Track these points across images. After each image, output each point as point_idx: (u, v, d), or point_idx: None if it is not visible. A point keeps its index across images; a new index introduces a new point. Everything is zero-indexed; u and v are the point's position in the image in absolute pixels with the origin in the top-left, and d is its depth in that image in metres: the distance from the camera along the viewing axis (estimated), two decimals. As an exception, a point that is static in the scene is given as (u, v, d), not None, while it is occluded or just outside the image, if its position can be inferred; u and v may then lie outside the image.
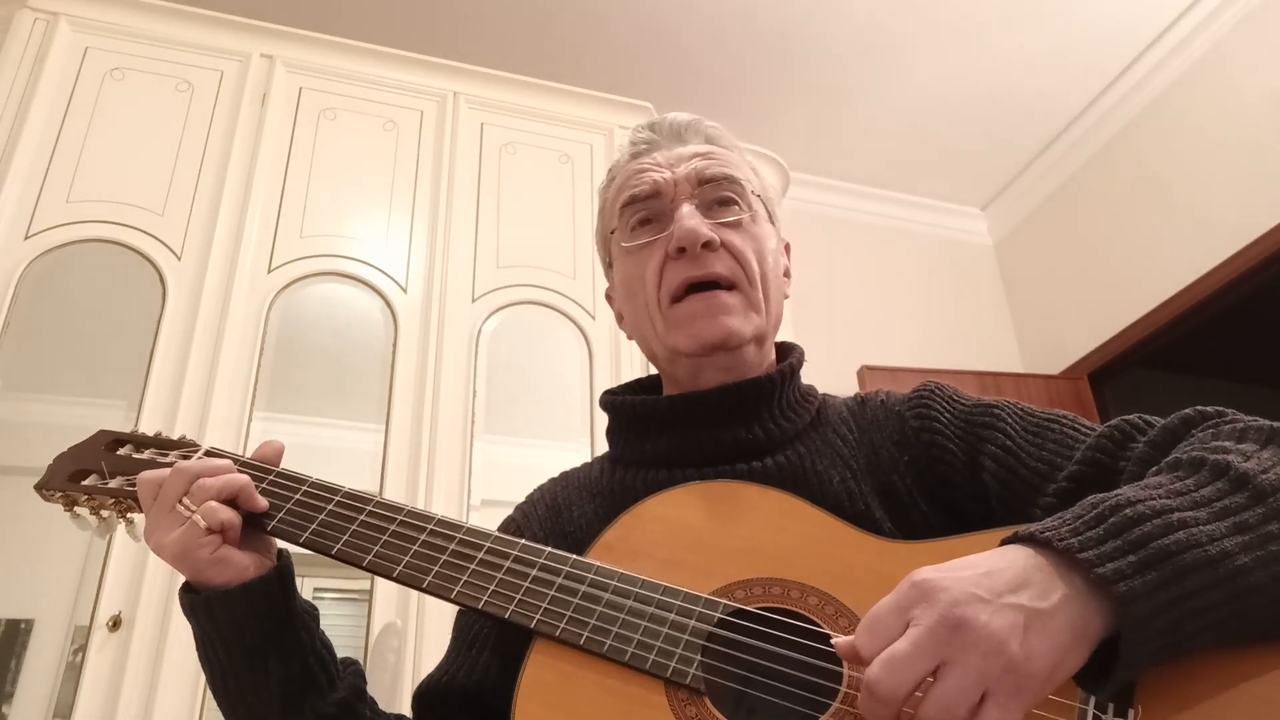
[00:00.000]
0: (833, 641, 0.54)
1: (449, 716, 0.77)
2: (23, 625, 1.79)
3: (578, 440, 2.16)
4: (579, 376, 2.23)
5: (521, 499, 0.88)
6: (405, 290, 2.16)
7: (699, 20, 2.93)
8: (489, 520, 0.72)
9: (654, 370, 0.90)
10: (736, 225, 0.82)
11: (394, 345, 2.10)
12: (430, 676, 0.80)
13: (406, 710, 0.80)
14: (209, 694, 1.67)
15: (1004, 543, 0.54)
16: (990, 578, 0.49)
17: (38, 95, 2.07)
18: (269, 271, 2.09)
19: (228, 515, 0.68)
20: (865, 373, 3.02)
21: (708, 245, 0.78)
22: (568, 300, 2.29)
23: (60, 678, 1.70)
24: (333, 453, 2.12)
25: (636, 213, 0.83)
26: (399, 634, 1.77)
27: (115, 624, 1.67)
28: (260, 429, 1.92)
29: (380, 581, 1.83)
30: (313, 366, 2.21)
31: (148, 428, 1.81)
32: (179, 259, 2.03)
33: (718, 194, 0.82)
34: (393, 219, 2.25)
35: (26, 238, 1.94)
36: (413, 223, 2.26)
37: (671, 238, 0.79)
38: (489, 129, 2.47)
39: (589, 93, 2.61)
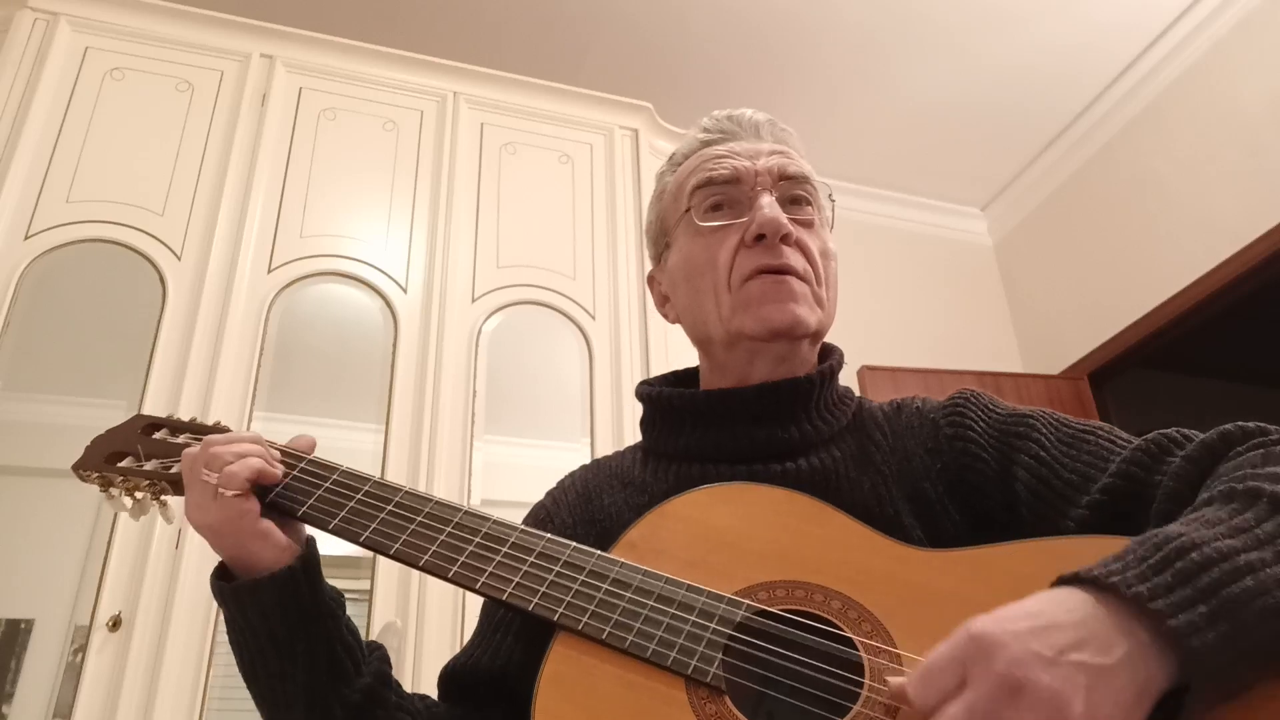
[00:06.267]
0: (889, 680, 0.53)
1: (473, 697, 0.78)
2: (23, 625, 1.79)
3: (578, 440, 2.16)
4: (579, 376, 2.23)
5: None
6: (405, 290, 2.16)
7: (699, 22, 2.93)
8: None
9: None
10: (809, 225, 0.83)
11: (394, 345, 2.10)
12: (455, 658, 0.81)
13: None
14: (209, 694, 1.68)
15: (1060, 581, 0.51)
16: (1050, 632, 0.47)
17: (38, 95, 2.07)
18: (269, 271, 2.09)
19: (245, 473, 0.70)
20: (865, 373, 3.02)
21: (785, 237, 0.79)
22: (568, 300, 2.29)
23: (60, 678, 1.70)
24: (333, 453, 2.11)
25: (711, 196, 0.83)
26: (399, 634, 1.77)
27: (115, 624, 1.67)
28: (260, 429, 1.91)
29: (380, 581, 1.83)
30: (313, 366, 2.21)
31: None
32: (179, 259, 2.03)
33: (794, 191, 0.83)
34: (393, 219, 2.25)
35: (26, 238, 1.95)
36: (413, 223, 2.26)
37: (750, 224, 0.80)
38: (489, 129, 2.47)
39: (589, 93, 2.61)
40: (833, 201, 0.87)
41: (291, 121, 2.28)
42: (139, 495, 0.81)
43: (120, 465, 0.80)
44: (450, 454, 2.00)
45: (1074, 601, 0.49)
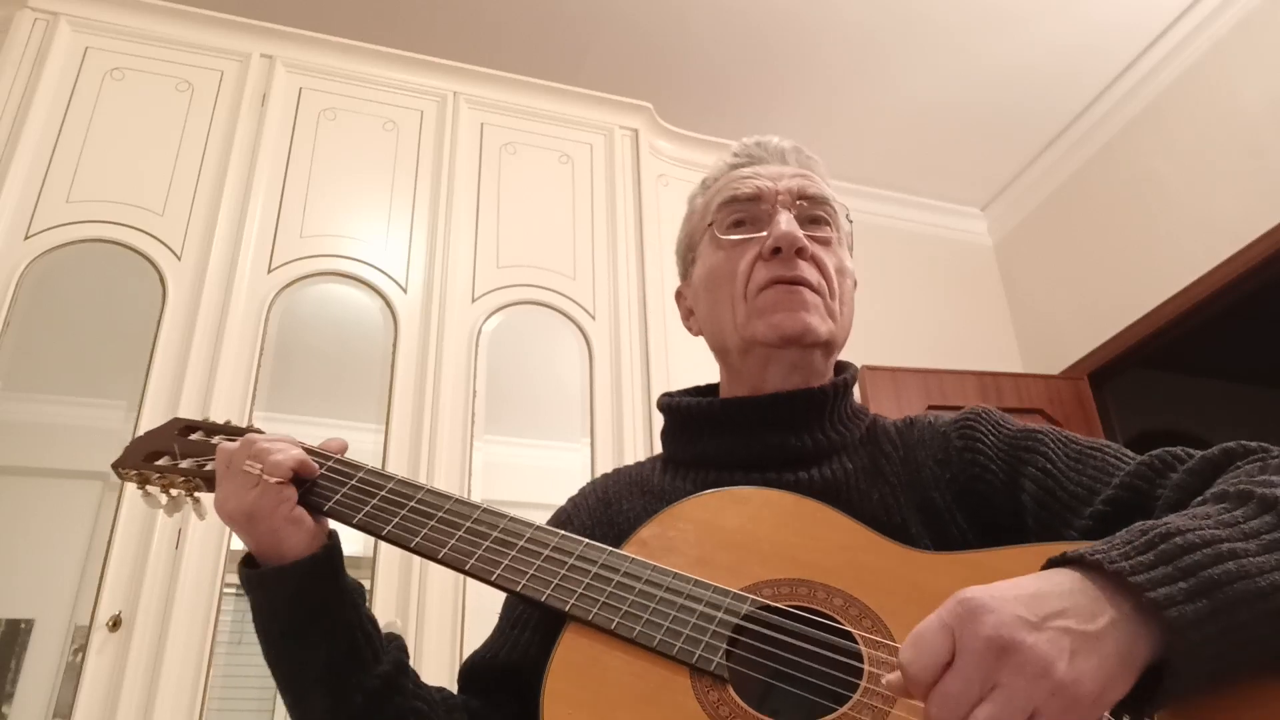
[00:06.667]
0: (884, 679, 0.54)
1: (491, 690, 0.81)
2: (23, 625, 1.79)
3: (577, 440, 2.16)
4: (579, 376, 2.23)
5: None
6: (405, 290, 2.16)
7: (699, 22, 2.93)
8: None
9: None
10: (826, 243, 0.88)
11: (394, 345, 2.10)
12: (475, 653, 0.85)
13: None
14: (209, 694, 1.68)
15: (1050, 563, 0.54)
16: (1037, 600, 0.49)
17: (38, 95, 2.07)
18: (269, 271, 2.09)
19: (290, 463, 0.75)
20: (865, 373, 3.02)
21: (800, 251, 0.84)
22: (568, 300, 2.29)
23: (60, 678, 1.70)
24: (333, 453, 2.11)
25: (734, 213, 0.89)
26: (399, 634, 1.77)
27: (115, 624, 1.67)
28: (259, 429, 1.91)
29: (380, 581, 1.83)
30: (313, 366, 2.21)
31: (148, 428, 1.82)
32: (179, 259, 2.03)
33: (812, 211, 0.88)
34: (393, 219, 2.25)
35: (26, 238, 1.95)
36: (413, 223, 2.26)
37: (768, 238, 0.85)
38: (489, 129, 2.47)
39: (589, 93, 2.61)
40: (851, 223, 0.92)
41: (291, 121, 2.28)
42: (174, 492, 0.85)
43: (157, 464, 0.84)
44: (450, 454, 2.00)
45: (1060, 577, 0.51)
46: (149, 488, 0.85)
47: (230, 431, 0.88)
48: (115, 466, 0.86)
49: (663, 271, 2.42)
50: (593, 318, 2.29)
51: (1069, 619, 0.48)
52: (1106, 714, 0.51)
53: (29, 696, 1.72)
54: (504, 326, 2.22)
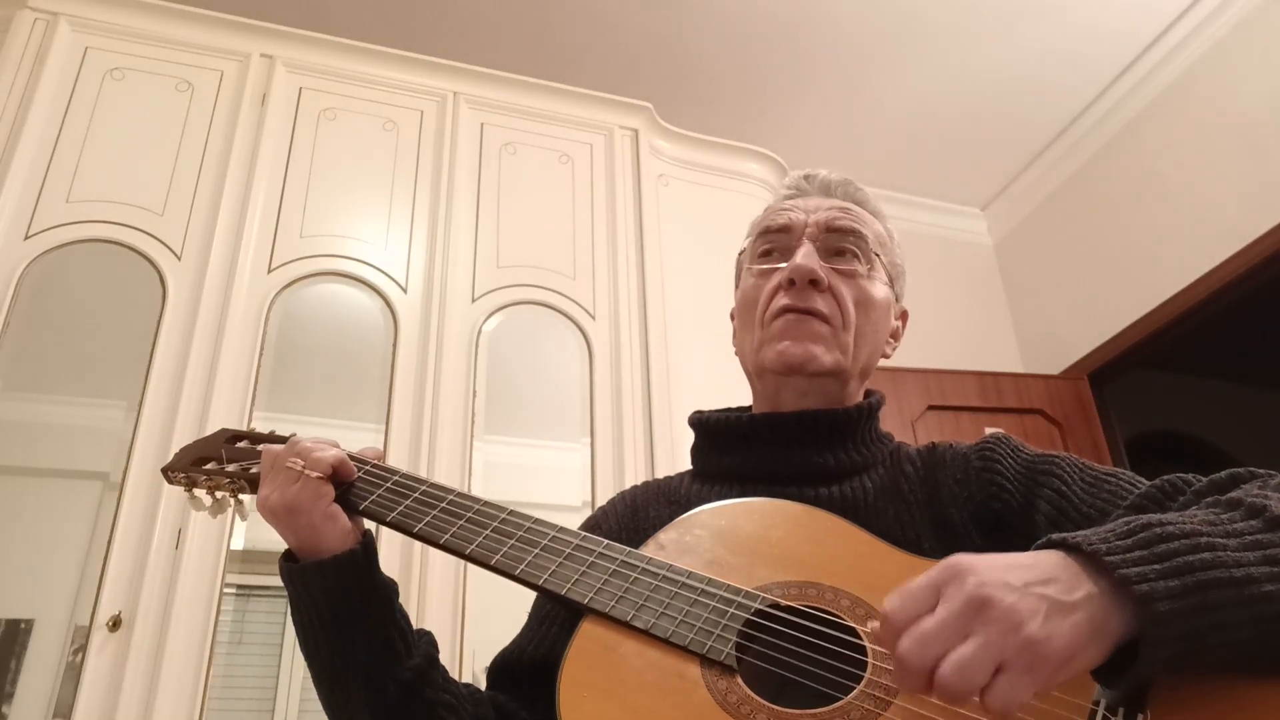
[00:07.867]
0: (869, 627, 0.58)
1: (519, 684, 0.84)
2: (23, 625, 1.79)
3: (577, 440, 2.16)
4: (579, 376, 2.23)
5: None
6: (405, 290, 2.16)
7: (699, 22, 2.93)
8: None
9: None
10: (849, 275, 0.90)
11: (394, 345, 2.10)
12: (504, 650, 0.89)
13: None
14: (209, 694, 1.68)
15: (1038, 546, 0.57)
16: (1020, 569, 0.52)
17: (38, 95, 2.07)
18: (269, 271, 2.09)
19: (331, 459, 0.79)
20: (865, 373, 3.02)
21: (814, 283, 0.87)
22: (568, 300, 2.29)
23: (60, 678, 1.70)
24: (333, 453, 2.11)
25: (766, 243, 0.94)
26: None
27: (115, 624, 1.67)
28: (260, 429, 1.91)
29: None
30: (313, 366, 2.21)
31: (148, 428, 1.82)
32: (179, 259, 2.03)
33: (839, 244, 0.91)
34: (393, 219, 2.25)
35: (26, 238, 1.95)
36: (413, 223, 2.26)
37: (785, 270, 0.89)
38: (489, 129, 2.47)
39: (589, 93, 2.61)
40: (879, 257, 0.93)
41: (291, 121, 2.28)
42: (219, 495, 0.90)
43: (205, 468, 0.90)
44: (450, 454, 2.00)
45: (1045, 556, 0.55)
46: (195, 490, 0.90)
47: (274, 440, 0.92)
48: (165, 470, 0.91)
49: (663, 271, 2.42)
50: (593, 318, 2.29)
51: (1049, 588, 0.51)
52: (1101, 712, 0.53)
53: (29, 696, 1.72)
54: (504, 326, 2.22)
